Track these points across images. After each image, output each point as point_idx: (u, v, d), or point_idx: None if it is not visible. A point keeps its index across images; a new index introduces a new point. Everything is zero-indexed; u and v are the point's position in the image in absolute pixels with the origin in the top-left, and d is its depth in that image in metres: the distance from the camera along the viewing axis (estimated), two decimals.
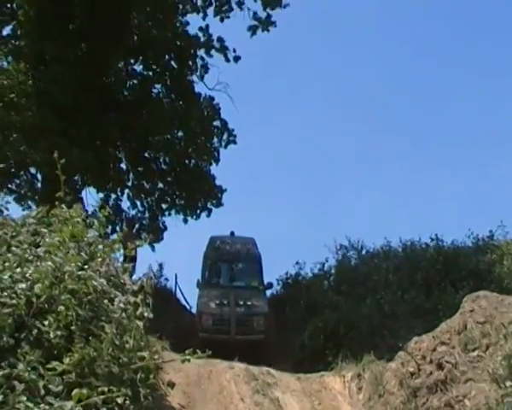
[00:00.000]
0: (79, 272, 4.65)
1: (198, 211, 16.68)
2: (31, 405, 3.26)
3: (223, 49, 17.38)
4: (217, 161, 17.24)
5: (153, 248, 16.59)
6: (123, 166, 17.23)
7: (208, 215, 16.67)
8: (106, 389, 3.66)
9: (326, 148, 35.76)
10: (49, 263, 4.30)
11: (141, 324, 4.88)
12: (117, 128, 15.32)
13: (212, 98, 17.72)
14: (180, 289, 16.86)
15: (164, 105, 16.66)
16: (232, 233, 15.04)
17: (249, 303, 13.07)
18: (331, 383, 8.31)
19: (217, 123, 17.67)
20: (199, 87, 17.72)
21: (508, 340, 6.24)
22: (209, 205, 16.69)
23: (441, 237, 14.05)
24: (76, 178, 15.26)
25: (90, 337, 4.24)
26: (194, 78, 17.58)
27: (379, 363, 7.84)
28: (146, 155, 17.16)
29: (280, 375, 8.41)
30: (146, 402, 4.42)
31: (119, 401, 4.09)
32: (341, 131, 37.45)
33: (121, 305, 4.72)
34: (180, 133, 17.15)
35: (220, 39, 17.38)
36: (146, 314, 4.98)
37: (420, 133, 35.91)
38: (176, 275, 16.95)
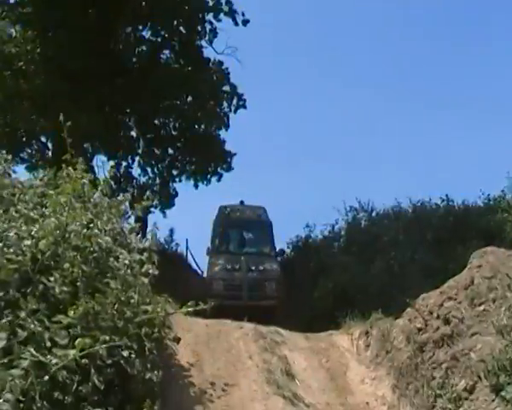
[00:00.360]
0: (84, 230, 4.72)
1: (208, 176, 16.75)
2: (36, 354, 3.35)
3: (231, 13, 17.16)
4: (226, 126, 17.23)
5: (164, 214, 16.79)
6: (133, 133, 17.36)
7: (219, 180, 16.76)
8: (108, 337, 3.75)
9: (335, 111, 35.36)
10: (53, 219, 4.37)
11: (146, 280, 4.96)
12: (126, 94, 15.32)
13: (221, 63, 17.64)
14: (191, 254, 17.09)
15: (173, 70, 16.61)
16: (242, 202, 14.85)
17: (261, 268, 12.91)
18: (339, 341, 8.41)
19: (226, 88, 17.61)
20: (208, 52, 17.65)
21: None
22: (219, 170, 16.75)
23: (452, 197, 13.98)
24: (86, 145, 15.38)
25: (96, 293, 4.32)
26: (203, 43, 17.51)
27: (386, 320, 7.89)
28: (155, 121, 17.20)
29: (288, 334, 8.52)
30: (151, 356, 4.52)
31: (125, 354, 4.20)
32: (351, 96, 37.00)
33: (126, 262, 4.80)
34: (189, 98, 17.14)
35: (229, 2, 17.16)
36: (151, 271, 5.05)
37: (431, 95, 35.30)
38: (187, 240, 17.18)
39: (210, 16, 17.25)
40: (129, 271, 4.81)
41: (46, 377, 3.42)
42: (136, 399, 3.99)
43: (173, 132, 17.25)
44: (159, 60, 16.99)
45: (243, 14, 17.05)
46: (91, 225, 4.92)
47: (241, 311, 11.04)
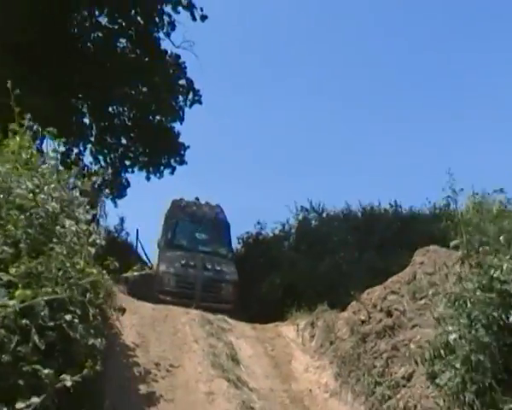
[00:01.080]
0: (30, 195, 4.57)
1: (161, 168, 16.56)
2: None
3: (190, 7, 17.05)
4: (181, 119, 17.10)
5: (115, 204, 16.50)
6: (86, 120, 16.97)
7: (172, 173, 16.60)
8: (50, 290, 3.64)
9: (289, 113, 35.85)
10: None
11: (93, 250, 4.85)
12: (80, 79, 14.98)
13: (178, 56, 17.49)
14: (141, 245, 16.86)
15: (128, 59, 16.33)
16: (197, 199, 13.74)
17: (218, 268, 11.88)
18: (285, 332, 8.50)
19: (182, 82, 17.49)
20: (165, 45, 17.47)
21: (453, 287, 6.42)
22: (172, 162, 16.59)
23: (400, 203, 14.37)
24: (35, 128, 14.89)
25: (39, 256, 4.19)
26: (161, 35, 17.33)
27: (332, 312, 8.03)
28: (110, 109, 16.88)
29: (235, 323, 8.56)
30: (95, 322, 4.43)
31: (67, 317, 4.09)
32: (303, 101, 37.57)
33: (73, 229, 4.67)
34: (144, 89, 16.92)
35: None
36: (98, 241, 4.95)
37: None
38: (137, 230, 16.93)
39: (168, 8, 17.11)
40: (75, 239, 4.69)
41: None
42: (78, 363, 3.87)
43: (127, 122, 16.97)
44: (115, 48, 16.67)
45: (202, 10, 16.97)
46: (37, 190, 4.77)
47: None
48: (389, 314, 6.94)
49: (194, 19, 17.01)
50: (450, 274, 6.73)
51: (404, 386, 5.88)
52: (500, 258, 4.87)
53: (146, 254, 16.41)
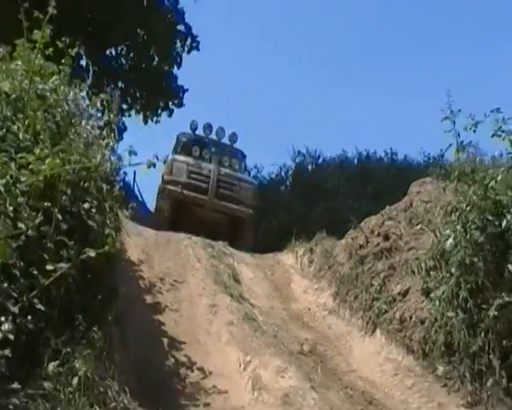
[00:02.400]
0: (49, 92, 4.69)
1: (158, 111, 16.56)
2: None
3: None
4: (179, 65, 17.06)
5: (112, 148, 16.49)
6: (82, 62, 16.83)
7: (170, 115, 16.60)
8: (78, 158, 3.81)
9: (288, 56, 35.77)
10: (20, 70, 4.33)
11: (106, 152, 5.00)
12: (77, 20, 14.81)
13: (176, 1, 17.35)
14: (137, 187, 16.98)
15: (127, 1, 16.14)
16: (209, 125, 11.50)
17: (237, 167, 11.01)
18: (284, 260, 8.76)
19: (180, 27, 17.39)
20: None
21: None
22: (170, 105, 16.60)
23: (395, 151, 14.57)
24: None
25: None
26: None
27: (330, 239, 8.29)
28: (107, 52, 16.78)
29: (236, 251, 8.79)
30: (111, 214, 4.62)
31: (86, 206, 4.27)
32: (303, 49, 37.44)
33: (89, 127, 4.82)
34: (142, 33, 16.78)
35: None
36: (112, 144, 5.10)
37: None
38: (134, 172, 16.92)
39: None
40: (90, 138, 4.84)
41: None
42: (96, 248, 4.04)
43: (124, 65, 16.88)
44: None
45: None
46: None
47: (204, 213, 10.12)
48: (386, 238, 7.19)
49: None
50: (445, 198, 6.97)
51: (400, 301, 6.13)
52: (495, 171, 5.10)
53: (142, 197, 16.53)
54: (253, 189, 10.68)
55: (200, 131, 11.46)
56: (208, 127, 11.23)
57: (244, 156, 12.02)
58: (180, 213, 10.58)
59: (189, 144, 11.38)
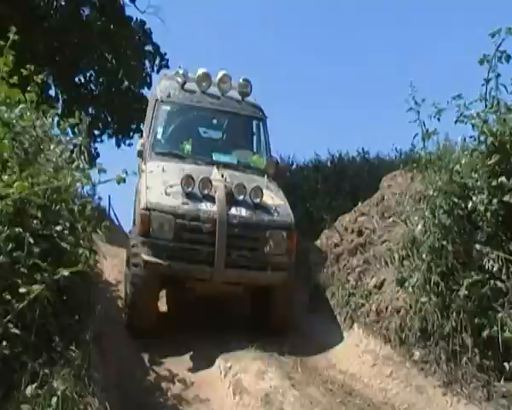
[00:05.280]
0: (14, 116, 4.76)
1: (131, 134, 16.67)
2: None
3: None
4: (149, 85, 17.20)
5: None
6: (51, 92, 16.88)
7: (142, 136, 16.63)
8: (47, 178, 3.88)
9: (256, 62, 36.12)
10: None
11: (77, 174, 5.06)
12: (44, 49, 14.88)
13: (143, 22, 17.54)
14: (114, 211, 17.03)
15: (94, 27, 16.28)
16: (207, 74, 7.30)
17: (257, 200, 6.16)
18: None
19: (149, 47, 17.57)
20: (130, 11, 17.49)
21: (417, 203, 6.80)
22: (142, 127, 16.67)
23: (367, 150, 14.80)
24: None
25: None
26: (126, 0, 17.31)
27: (306, 242, 8.40)
28: (76, 79, 16.86)
29: None
30: (84, 234, 4.69)
31: (58, 228, 4.34)
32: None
33: (58, 151, 4.91)
34: (111, 57, 16.92)
35: None
36: (82, 166, 5.17)
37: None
38: (109, 196, 17.01)
39: None
40: (60, 161, 4.91)
41: None
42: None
43: (94, 91, 16.99)
44: (79, 16, 16.57)
45: None
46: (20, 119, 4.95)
47: (206, 290, 6.17)
48: (360, 234, 7.35)
49: None
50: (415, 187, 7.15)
51: (375, 293, 6.26)
52: (460, 155, 5.27)
53: (118, 221, 16.53)
54: (285, 230, 6.18)
55: (191, 84, 7.25)
56: (205, 77, 7.19)
57: (265, 120, 7.51)
58: (168, 295, 6.96)
59: (173, 122, 7.27)
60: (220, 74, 7.29)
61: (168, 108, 7.36)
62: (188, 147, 6.85)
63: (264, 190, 6.30)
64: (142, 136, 7.99)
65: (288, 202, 6.62)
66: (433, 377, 4.64)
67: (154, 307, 6.12)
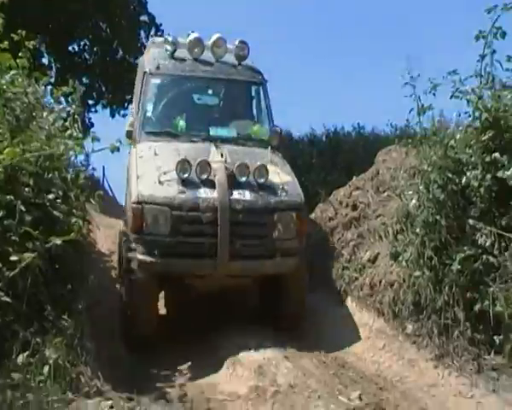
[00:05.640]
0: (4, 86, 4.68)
1: (125, 104, 16.49)
2: None
3: None
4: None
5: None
6: (44, 60, 16.63)
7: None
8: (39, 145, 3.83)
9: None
10: None
11: (70, 142, 5.00)
12: (37, 16, 14.59)
13: None
14: (108, 182, 16.98)
15: None
16: (199, 39, 6.61)
17: (262, 180, 5.53)
18: None
19: (144, 17, 17.28)
20: None
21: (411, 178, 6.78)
22: None
23: (363, 125, 14.76)
24: None
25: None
26: None
27: None
28: (69, 48, 16.60)
29: None
30: (77, 203, 4.65)
31: (50, 196, 4.30)
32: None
33: (50, 119, 4.83)
34: (105, 26, 16.65)
35: None
36: (75, 134, 5.10)
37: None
38: (103, 167, 16.96)
39: None
40: (52, 129, 4.84)
41: None
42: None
43: (88, 60, 16.74)
44: None
45: None
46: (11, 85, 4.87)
47: (210, 286, 5.57)
48: (354, 208, 7.34)
49: None
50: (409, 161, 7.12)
51: (369, 267, 6.27)
52: (455, 131, 5.25)
53: (112, 192, 16.49)
54: (295, 211, 5.51)
55: (182, 51, 6.61)
56: (197, 43, 6.51)
57: (265, 85, 6.86)
58: (167, 296, 6.35)
59: (164, 96, 6.55)
60: (214, 38, 6.58)
61: (158, 80, 6.63)
62: (182, 123, 6.14)
63: (268, 167, 5.60)
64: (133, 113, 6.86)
65: (295, 177, 6.04)
66: (426, 350, 4.68)
67: (154, 311, 5.46)
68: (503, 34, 4.95)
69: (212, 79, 6.68)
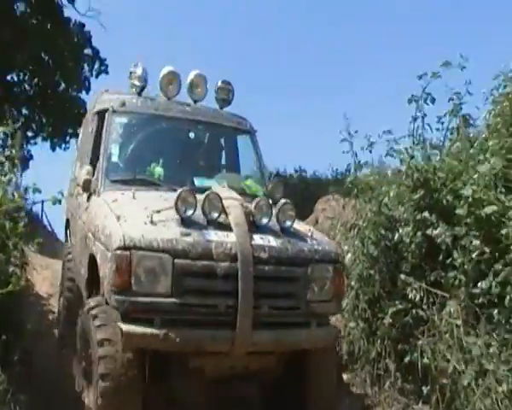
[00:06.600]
0: None
1: (67, 138, 16.23)
2: None
3: None
4: (87, 89, 16.83)
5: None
6: None
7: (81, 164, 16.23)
8: None
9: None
10: None
11: (10, 188, 4.93)
12: None
13: (82, 25, 17.15)
14: (46, 216, 16.61)
15: (29, 25, 15.74)
16: (174, 73, 5.19)
17: (288, 223, 4.11)
18: None
19: (88, 51, 17.19)
20: (69, 12, 17.04)
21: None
22: (79, 131, 16.29)
23: (304, 168, 15.20)
24: None
25: None
26: (64, 1, 16.84)
27: None
28: (8, 78, 16.21)
29: None
30: (15, 251, 4.57)
31: None
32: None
33: None
34: (47, 57, 16.40)
35: None
36: (14, 179, 5.03)
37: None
38: (42, 202, 16.52)
39: None
40: None
41: None
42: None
43: (29, 91, 16.40)
44: (13, 12, 15.96)
45: None
46: None
47: (221, 371, 3.98)
48: None
49: None
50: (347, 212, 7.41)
51: None
52: (389, 188, 5.54)
53: (51, 226, 16.06)
54: (332, 263, 4.13)
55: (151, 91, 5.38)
56: (172, 78, 5.18)
57: (255, 134, 5.73)
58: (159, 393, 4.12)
59: (133, 138, 5.15)
60: (192, 75, 5.22)
61: (125, 120, 5.24)
62: (159, 170, 4.85)
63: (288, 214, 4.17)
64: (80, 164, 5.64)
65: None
66: (359, 399, 4.83)
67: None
68: (433, 100, 5.37)
69: (192, 120, 5.34)
